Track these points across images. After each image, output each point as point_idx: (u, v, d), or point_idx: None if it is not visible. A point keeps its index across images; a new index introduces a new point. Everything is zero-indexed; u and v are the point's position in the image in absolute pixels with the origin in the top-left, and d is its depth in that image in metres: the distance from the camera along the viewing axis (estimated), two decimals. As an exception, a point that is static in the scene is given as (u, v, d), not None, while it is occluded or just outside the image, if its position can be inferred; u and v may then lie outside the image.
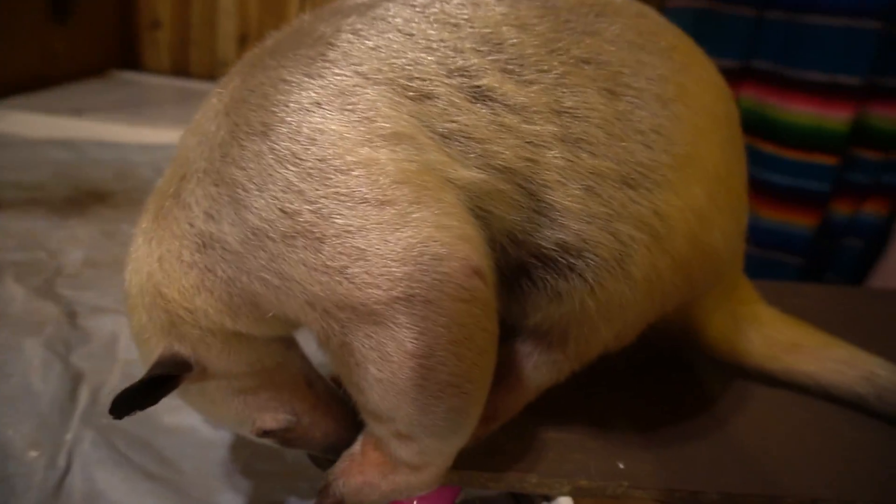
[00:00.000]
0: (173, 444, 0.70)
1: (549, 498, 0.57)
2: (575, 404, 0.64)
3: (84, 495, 0.62)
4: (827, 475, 0.58)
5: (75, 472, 0.64)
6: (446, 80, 0.51)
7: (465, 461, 0.55)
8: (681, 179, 0.55)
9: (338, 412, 0.60)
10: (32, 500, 0.60)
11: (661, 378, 0.71)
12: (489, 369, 0.51)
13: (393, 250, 0.46)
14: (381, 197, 0.46)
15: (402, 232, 0.46)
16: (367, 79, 0.51)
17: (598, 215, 0.53)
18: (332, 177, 0.47)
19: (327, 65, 0.51)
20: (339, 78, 0.51)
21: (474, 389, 0.50)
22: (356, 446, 0.56)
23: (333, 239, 0.46)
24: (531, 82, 0.53)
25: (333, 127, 0.49)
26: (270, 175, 0.48)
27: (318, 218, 0.47)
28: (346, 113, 0.50)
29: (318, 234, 0.46)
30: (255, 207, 0.48)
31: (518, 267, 0.55)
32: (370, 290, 0.46)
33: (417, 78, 0.51)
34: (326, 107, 0.50)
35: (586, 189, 0.53)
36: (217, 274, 0.51)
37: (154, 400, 0.50)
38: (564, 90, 0.53)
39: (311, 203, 0.47)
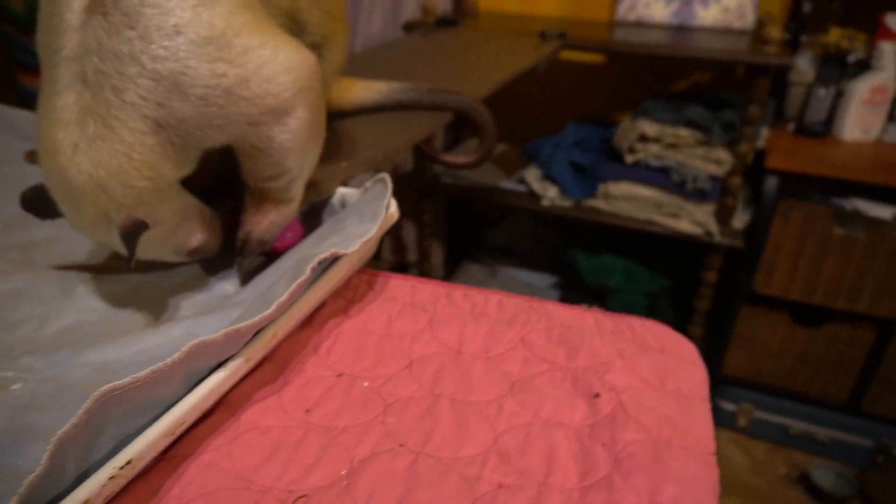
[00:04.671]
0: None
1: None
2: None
3: (96, 367, 0.72)
4: (388, 140, 1.18)
5: (71, 370, 0.71)
6: None
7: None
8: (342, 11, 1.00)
9: (219, 224, 0.86)
10: (47, 392, 0.67)
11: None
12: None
13: (282, 71, 0.75)
14: (257, 43, 0.72)
15: (280, 58, 0.75)
16: None
17: (326, 22, 0.95)
18: (233, 40, 0.70)
19: None
20: None
21: (324, 131, 0.87)
22: (249, 208, 0.84)
23: (253, 78, 0.73)
24: None
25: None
26: (193, 59, 0.68)
27: (238, 69, 0.71)
28: None
29: (243, 83, 0.72)
30: (200, 82, 0.69)
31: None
32: (283, 96, 0.75)
33: None
34: None
35: (321, 10, 0.93)
36: (173, 143, 0.72)
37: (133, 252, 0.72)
38: None
39: (230, 63, 0.70)
